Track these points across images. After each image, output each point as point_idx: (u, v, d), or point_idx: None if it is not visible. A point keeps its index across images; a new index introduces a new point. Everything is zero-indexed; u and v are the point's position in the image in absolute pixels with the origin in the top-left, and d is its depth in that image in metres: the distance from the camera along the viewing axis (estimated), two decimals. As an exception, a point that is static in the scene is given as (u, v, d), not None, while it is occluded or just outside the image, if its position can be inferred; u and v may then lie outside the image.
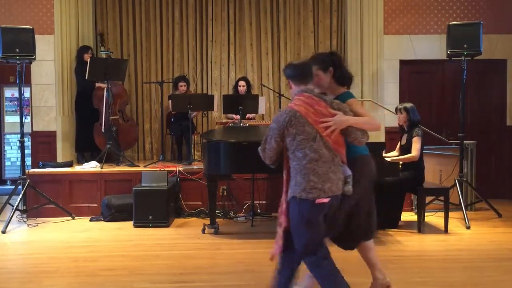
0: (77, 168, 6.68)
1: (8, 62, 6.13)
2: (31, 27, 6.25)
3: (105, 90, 6.95)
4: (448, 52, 6.33)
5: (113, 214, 6.10)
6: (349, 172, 3.14)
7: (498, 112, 7.90)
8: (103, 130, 6.97)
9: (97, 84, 7.16)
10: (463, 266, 4.35)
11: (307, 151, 3.00)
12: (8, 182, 9.23)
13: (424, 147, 5.72)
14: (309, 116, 3.02)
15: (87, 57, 7.17)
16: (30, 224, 5.98)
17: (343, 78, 3.42)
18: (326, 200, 2.97)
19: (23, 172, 6.15)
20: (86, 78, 6.78)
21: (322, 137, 3.02)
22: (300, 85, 3.16)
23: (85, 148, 7.38)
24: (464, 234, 5.51)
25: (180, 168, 6.54)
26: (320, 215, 3.02)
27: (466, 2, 7.67)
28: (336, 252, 4.71)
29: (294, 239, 3.10)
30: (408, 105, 5.69)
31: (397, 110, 5.81)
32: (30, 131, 7.42)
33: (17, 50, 6.01)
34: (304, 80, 3.16)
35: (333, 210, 3.09)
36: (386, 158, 5.38)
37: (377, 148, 5.21)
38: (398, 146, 5.86)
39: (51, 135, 7.34)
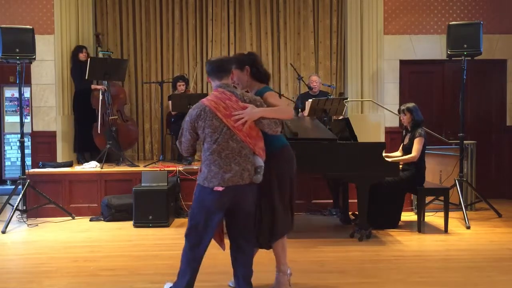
0: (77, 168, 6.68)
1: (8, 62, 6.13)
2: (31, 27, 6.24)
3: (100, 92, 6.97)
4: (448, 52, 6.33)
5: (113, 214, 6.09)
6: (260, 163, 3.32)
7: (498, 112, 7.90)
8: (99, 131, 6.97)
9: (93, 86, 7.17)
10: (463, 266, 4.35)
11: (212, 143, 3.25)
12: (8, 182, 9.22)
13: (426, 147, 5.71)
14: (218, 110, 3.24)
15: (82, 56, 7.20)
16: (30, 224, 5.98)
17: (260, 75, 3.65)
18: (221, 188, 3.21)
19: (23, 172, 6.15)
20: (86, 78, 6.78)
21: (231, 131, 3.24)
22: (216, 81, 3.39)
23: (84, 148, 7.37)
24: (464, 234, 5.50)
25: (180, 168, 6.54)
26: (218, 202, 3.26)
27: (466, 2, 7.68)
28: (337, 253, 4.74)
29: (188, 220, 3.42)
30: (411, 105, 5.69)
31: (400, 111, 5.80)
32: (30, 131, 7.42)
33: (17, 50, 6.00)
34: (219, 76, 3.37)
35: (237, 199, 3.28)
36: (386, 158, 5.37)
37: (377, 148, 5.23)
38: (401, 146, 5.85)
39: (51, 135, 7.34)
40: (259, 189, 3.41)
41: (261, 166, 3.32)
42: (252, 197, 3.35)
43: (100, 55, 7.39)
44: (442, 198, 5.76)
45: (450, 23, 6.50)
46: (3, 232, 5.59)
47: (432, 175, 6.59)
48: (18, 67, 6.07)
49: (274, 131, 3.39)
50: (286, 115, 3.49)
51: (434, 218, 6.16)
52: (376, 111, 7.60)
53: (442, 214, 5.66)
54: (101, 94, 6.99)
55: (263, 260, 3.91)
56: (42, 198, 6.21)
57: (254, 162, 3.31)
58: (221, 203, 3.27)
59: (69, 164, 6.91)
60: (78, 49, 7.31)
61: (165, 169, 6.43)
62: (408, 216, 6.24)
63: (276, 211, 3.50)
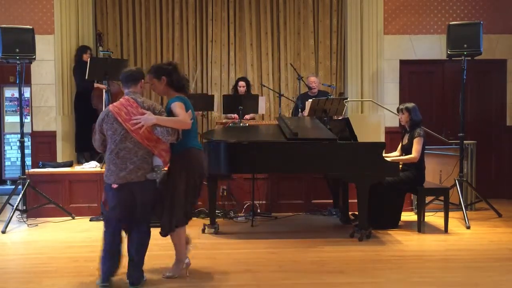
0: (77, 168, 6.68)
1: (8, 62, 6.13)
2: (31, 27, 6.24)
3: (104, 92, 6.96)
4: (448, 52, 6.33)
5: (113, 214, 6.08)
6: (158, 162, 3.77)
7: (498, 112, 7.90)
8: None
9: (96, 85, 7.16)
10: (463, 266, 4.36)
11: (112, 145, 3.68)
12: (8, 182, 9.22)
13: (425, 147, 5.71)
14: (120, 115, 3.65)
15: (86, 57, 7.16)
16: (30, 224, 5.98)
17: (173, 85, 3.95)
18: (115, 185, 3.65)
19: (23, 172, 6.15)
20: (86, 78, 6.78)
21: (129, 133, 3.63)
22: (125, 89, 3.82)
23: (84, 148, 7.37)
24: (464, 234, 5.51)
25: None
26: (116, 197, 3.67)
27: (466, 2, 7.68)
28: (337, 253, 4.75)
29: None
30: (410, 105, 5.69)
31: (398, 110, 5.81)
32: (30, 131, 7.42)
33: (17, 50, 6.00)
34: (127, 85, 3.81)
35: (134, 194, 3.68)
36: (386, 158, 5.38)
37: (377, 148, 5.23)
38: (399, 146, 5.85)
39: (51, 135, 7.34)
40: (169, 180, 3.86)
41: (158, 166, 3.76)
42: (148, 191, 3.74)
43: (101, 55, 7.39)
44: (442, 198, 5.77)
45: (450, 23, 6.50)
46: (3, 232, 5.59)
47: (432, 175, 6.59)
48: (18, 67, 6.07)
49: (166, 139, 3.72)
50: (180, 125, 3.75)
51: (434, 218, 6.16)
52: (376, 111, 7.60)
53: (442, 214, 5.66)
54: (105, 93, 6.98)
55: (265, 262, 3.92)
56: (42, 198, 6.21)
57: (151, 162, 3.74)
58: (119, 198, 3.67)
59: (69, 164, 6.90)
60: (83, 49, 7.28)
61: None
62: (408, 216, 6.23)
63: (167, 203, 3.89)
